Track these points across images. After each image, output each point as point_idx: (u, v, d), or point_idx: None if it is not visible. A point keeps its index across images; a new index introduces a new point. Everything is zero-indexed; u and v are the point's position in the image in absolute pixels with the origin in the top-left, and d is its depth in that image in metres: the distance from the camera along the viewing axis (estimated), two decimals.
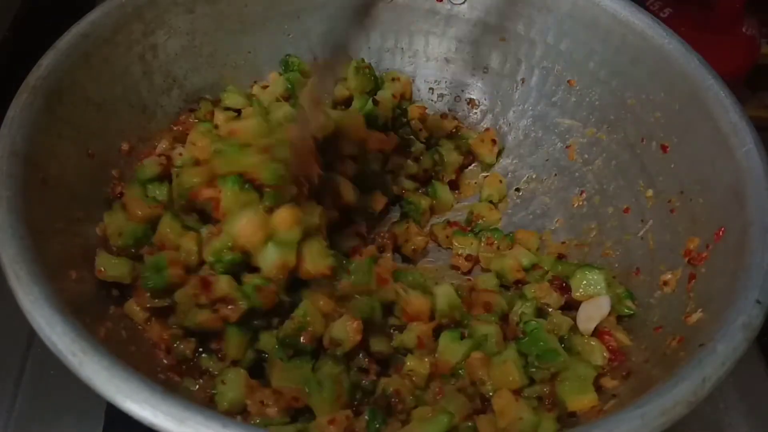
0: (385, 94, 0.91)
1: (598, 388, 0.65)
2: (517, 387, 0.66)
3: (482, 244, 0.85)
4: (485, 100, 0.96)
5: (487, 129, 0.94)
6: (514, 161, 0.93)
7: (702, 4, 1.30)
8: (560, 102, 0.89)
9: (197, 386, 0.65)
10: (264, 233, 0.66)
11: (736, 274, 0.60)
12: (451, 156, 0.91)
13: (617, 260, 0.79)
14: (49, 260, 0.58)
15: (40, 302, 0.52)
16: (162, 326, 0.68)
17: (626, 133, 0.82)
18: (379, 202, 0.85)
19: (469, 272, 0.85)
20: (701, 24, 1.27)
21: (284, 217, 0.66)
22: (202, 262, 0.68)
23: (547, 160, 0.91)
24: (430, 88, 0.97)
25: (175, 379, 0.65)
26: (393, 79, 0.94)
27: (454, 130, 0.95)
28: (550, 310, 0.74)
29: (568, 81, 0.88)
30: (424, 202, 0.89)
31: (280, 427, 0.62)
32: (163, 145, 0.81)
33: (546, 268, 0.80)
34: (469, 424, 0.63)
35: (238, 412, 0.63)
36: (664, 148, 0.77)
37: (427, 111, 0.95)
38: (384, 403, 0.66)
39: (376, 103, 0.87)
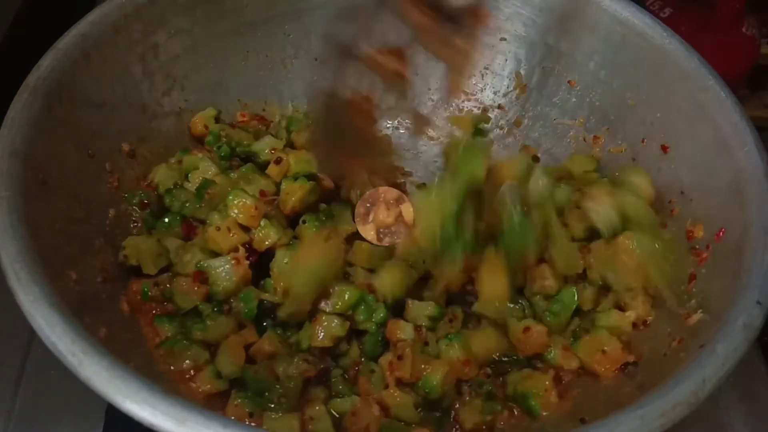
0: None
1: None
2: None
3: None
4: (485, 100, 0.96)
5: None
6: None
7: (702, 4, 1.30)
8: (561, 102, 0.89)
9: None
10: None
11: (737, 275, 0.60)
12: None
13: None
14: (49, 260, 0.57)
15: (40, 302, 0.52)
16: None
17: (626, 134, 0.82)
18: None
19: None
20: (701, 24, 1.27)
21: None
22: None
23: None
24: (428, 88, 0.97)
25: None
26: None
27: None
28: None
29: (569, 81, 0.88)
30: None
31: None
32: None
33: None
34: None
35: None
36: (664, 148, 0.77)
37: None
38: None
39: None
